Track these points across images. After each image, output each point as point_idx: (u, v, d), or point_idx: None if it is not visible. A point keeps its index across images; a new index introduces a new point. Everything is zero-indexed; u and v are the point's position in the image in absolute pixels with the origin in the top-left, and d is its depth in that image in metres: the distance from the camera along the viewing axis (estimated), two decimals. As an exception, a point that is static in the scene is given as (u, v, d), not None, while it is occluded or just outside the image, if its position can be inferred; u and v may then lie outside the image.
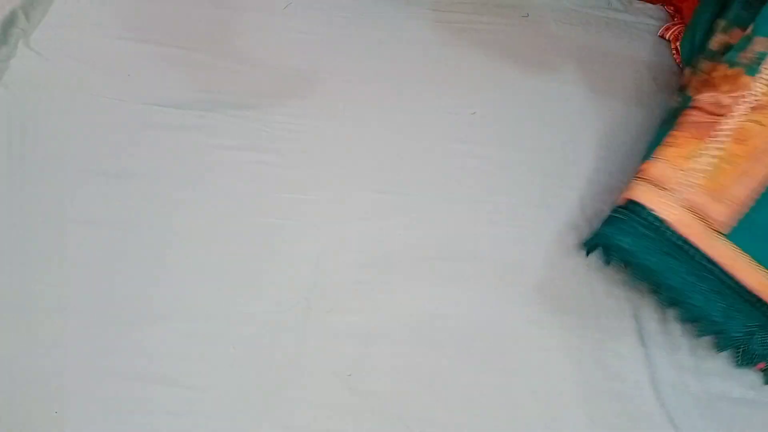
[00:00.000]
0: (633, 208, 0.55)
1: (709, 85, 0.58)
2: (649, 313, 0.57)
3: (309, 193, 0.63)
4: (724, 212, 0.53)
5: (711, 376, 0.54)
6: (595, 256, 0.60)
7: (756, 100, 0.55)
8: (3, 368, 0.51)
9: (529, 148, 0.68)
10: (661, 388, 0.53)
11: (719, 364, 0.55)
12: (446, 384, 0.52)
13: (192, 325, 0.54)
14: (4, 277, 0.55)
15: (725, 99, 0.56)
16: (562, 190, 0.65)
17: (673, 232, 0.53)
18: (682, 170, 0.54)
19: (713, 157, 0.54)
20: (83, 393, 0.50)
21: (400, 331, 0.55)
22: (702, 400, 0.52)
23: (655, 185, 0.54)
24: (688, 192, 0.53)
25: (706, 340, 0.56)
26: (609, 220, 0.57)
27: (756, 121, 0.54)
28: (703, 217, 0.53)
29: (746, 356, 0.53)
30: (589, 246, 0.59)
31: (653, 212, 0.53)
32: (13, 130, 0.64)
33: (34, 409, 0.49)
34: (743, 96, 0.55)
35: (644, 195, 0.54)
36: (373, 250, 0.59)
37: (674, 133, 0.55)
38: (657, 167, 0.55)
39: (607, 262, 0.59)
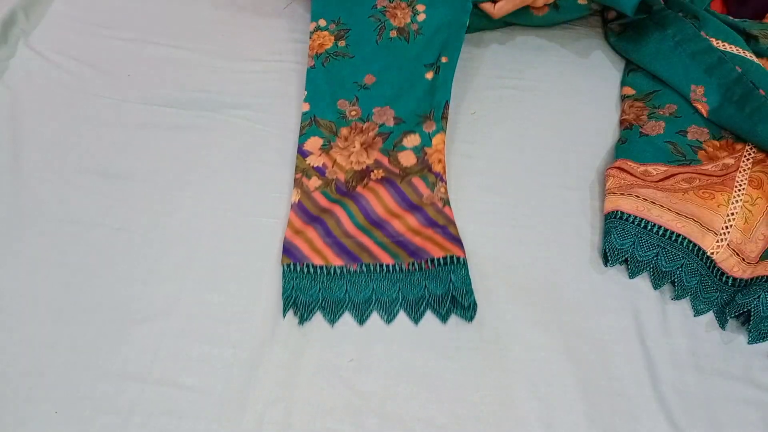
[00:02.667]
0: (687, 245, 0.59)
1: (707, 158, 0.66)
2: (649, 313, 0.57)
3: (309, 193, 0.63)
4: (755, 249, 0.59)
5: (711, 376, 0.54)
6: (595, 256, 0.60)
7: (753, 156, 0.65)
8: (3, 368, 0.51)
9: (528, 148, 0.68)
10: (661, 388, 0.53)
11: (719, 363, 0.55)
12: (446, 384, 0.52)
13: (191, 325, 0.54)
14: (3, 277, 0.55)
15: (729, 160, 0.64)
16: (562, 190, 0.65)
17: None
18: (721, 215, 0.59)
19: (741, 201, 0.60)
20: (83, 393, 0.50)
21: (400, 331, 0.55)
22: (702, 400, 0.52)
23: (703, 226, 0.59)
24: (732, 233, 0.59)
25: (706, 339, 0.56)
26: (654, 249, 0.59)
27: (763, 172, 0.63)
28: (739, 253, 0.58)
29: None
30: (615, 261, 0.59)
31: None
32: (13, 129, 0.65)
33: (34, 409, 0.49)
34: (742, 154, 0.65)
35: (695, 235, 0.59)
36: (373, 250, 0.59)
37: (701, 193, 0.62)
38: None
39: (606, 264, 0.59)
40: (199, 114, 0.68)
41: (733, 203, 0.60)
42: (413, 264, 0.57)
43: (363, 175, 0.63)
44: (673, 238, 0.58)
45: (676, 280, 0.57)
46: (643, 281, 0.59)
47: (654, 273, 0.58)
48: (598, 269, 0.60)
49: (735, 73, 0.66)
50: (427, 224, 0.59)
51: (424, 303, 0.55)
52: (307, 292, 0.55)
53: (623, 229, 0.59)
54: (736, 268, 0.57)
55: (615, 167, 0.64)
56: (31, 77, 0.69)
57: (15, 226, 0.58)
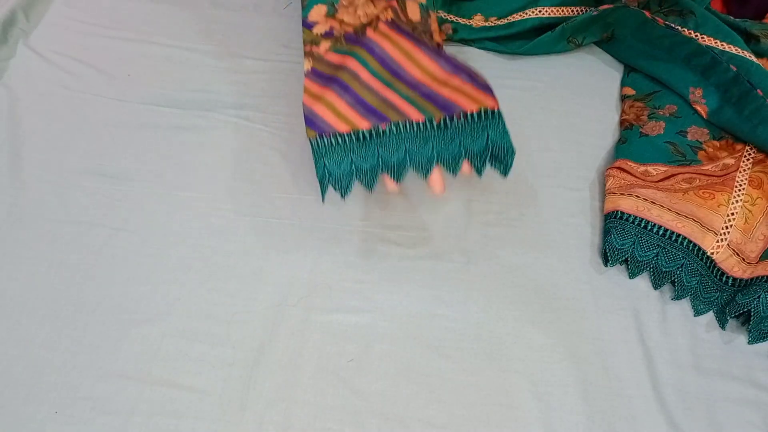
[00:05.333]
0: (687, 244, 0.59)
1: (707, 158, 0.66)
2: (649, 313, 0.57)
3: (309, 193, 0.63)
4: (755, 249, 0.58)
5: (711, 376, 0.54)
6: (595, 256, 0.60)
7: (753, 156, 0.64)
8: (3, 368, 0.51)
9: (528, 148, 0.68)
10: (661, 388, 0.53)
11: (719, 364, 0.55)
12: (446, 384, 0.52)
13: (191, 325, 0.54)
14: (3, 277, 0.55)
15: (729, 160, 0.64)
16: (562, 190, 0.65)
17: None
18: (721, 215, 0.59)
19: (741, 201, 0.60)
20: (83, 393, 0.50)
21: (400, 331, 0.55)
22: (702, 400, 0.52)
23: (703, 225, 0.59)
24: (732, 233, 0.59)
25: (706, 339, 0.56)
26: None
27: (763, 172, 0.62)
28: (739, 253, 0.58)
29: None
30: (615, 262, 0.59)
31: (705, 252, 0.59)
32: (13, 129, 0.65)
33: (34, 409, 0.49)
34: (742, 155, 0.64)
35: (695, 235, 0.59)
36: (373, 250, 0.59)
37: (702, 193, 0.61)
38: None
39: (606, 264, 0.59)
40: (199, 114, 0.68)
41: (733, 203, 0.60)
42: (445, 120, 0.52)
43: (372, 23, 0.58)
44: (673, 238, 0.58)
45: (676, 280, 0.57)
46: (643, 281, 0.59)
47: (654, 273, 0.58)
48: (598, 269, 0.60)
49: (731, 73, 0.66)
50: (452, 70, 0.54)
51: (460, 159, 0.53)
52: (340, 165, 0.52)
53: (623, 229, 0.59)
54: (736, 268, 0.57)
55: (615, 167, 0.64)
56: (31, 77, 0.69)
57: (15, 226, 0.58)
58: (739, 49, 0.68)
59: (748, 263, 0.58)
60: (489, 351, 0.54)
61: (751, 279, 0.56)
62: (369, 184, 0.53)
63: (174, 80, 0.71)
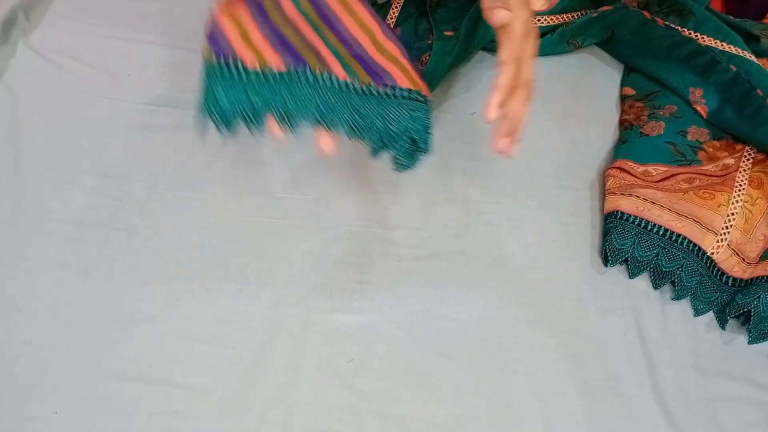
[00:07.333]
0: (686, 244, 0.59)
1: (708, 158, 0.65)
2: (649, 313, 0.57)
3: (310, 192, 0.63)
4: (755, 249, 0.58)
5: (711, 376, 0.54)
6: (595, 256, 0.60)
7: (753, 157, 0.64)
8: (3, 368, 0.51)
9: (529, 148, 0.68)
10: (661, 388, 0.53)
11: (720, 364, 0.55)
12: (446, 384, 0.52)
13: (191, 325, 0.54)
14: (3, 277, 0.55)
15: (729, 160, 0.64)
16: (562, 190, 0.65)
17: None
18: (721, 215, 0.60)
19: (741, 201, 0.60)
20: (83, 393, 0.50)
21: (400, 331, 0.55)
22: (702, 400, 0.53)
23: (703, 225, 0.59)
24: (732, 233, 0.59)
25: (706, 339, 0.56)
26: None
27: (763, 172, 0.62)
28: (739, 253, 0.58)
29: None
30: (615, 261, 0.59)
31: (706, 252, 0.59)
32: (13, 129, 0.65)
33: (34, 409, 0.49)
34: (742, 155, 0.64)
35: (695, 235, 0.59)
36: (373, 250, 0.59)
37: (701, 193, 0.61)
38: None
39: (606, 264, 0.59)
40: (199, 114, 0.68)
41: (733, 203, 0.60)
42: (369, 86, 0.44)
43: None
44: (673, 238, 0.58)
45: (676, 280, 0.57)
46: (643, 281, 0.59)
47: (654, 273, 0.58)
48: (598, 269, 0.60)
49: (731, 73, 0.66)
50: (390, 36, 0.48)
51: (376, 134, 0.44)
52: (237, 103, 0.43)
53: (623, 229, 0.59)
54: (736, 268, 0.57)
55: (615, 167, 0.64)
56: (32, 77, 0.69)
57: (15, 226, 0.58)
58: (739, 49, 0.68)
59: (748, 263, 0.58)
60: (489, 351, 0.54)
61: (751, 279, 0.56)
62: (256, 124, 0.44)
63: (174, 80, 0.71)
